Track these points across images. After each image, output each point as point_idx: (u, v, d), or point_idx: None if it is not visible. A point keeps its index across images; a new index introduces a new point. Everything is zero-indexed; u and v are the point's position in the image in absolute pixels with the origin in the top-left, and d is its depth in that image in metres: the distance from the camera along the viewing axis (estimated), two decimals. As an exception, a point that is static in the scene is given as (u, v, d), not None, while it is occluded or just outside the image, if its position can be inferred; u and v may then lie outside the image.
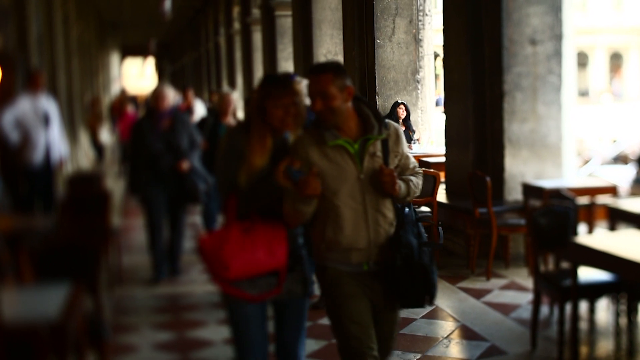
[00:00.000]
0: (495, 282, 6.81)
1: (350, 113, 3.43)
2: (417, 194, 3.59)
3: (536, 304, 5.22)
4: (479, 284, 6.75)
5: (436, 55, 11.76)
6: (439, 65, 13.07)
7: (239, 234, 3.47)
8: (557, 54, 7.46)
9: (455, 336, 5.52)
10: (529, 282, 6.47)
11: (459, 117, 8.01)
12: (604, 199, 6.90)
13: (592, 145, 20.71)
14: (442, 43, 8.42)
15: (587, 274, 4.89)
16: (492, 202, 6.85)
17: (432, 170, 7.66)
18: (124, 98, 19.82)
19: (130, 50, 48.60)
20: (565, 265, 5.32)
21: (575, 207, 5.43)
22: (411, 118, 9.74)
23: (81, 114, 19.07)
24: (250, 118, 3.63)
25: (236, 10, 20.49)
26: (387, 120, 3.53)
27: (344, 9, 10.57)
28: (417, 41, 9.83)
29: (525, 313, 5.82)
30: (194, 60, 33.56)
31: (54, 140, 9.08)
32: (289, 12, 13.36)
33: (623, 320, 5.21)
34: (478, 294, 6.42)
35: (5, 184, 8.31)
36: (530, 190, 6.98)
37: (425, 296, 3.47)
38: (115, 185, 14.31)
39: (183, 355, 5.36)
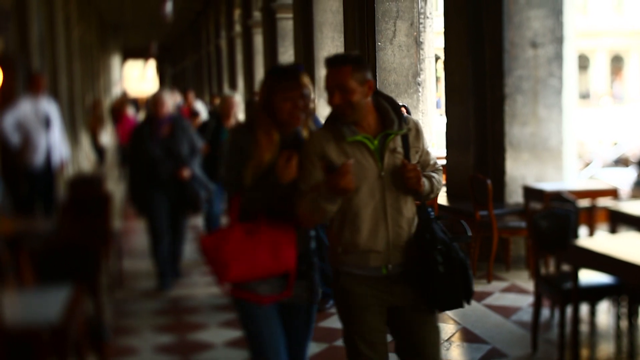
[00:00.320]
0: (496, 285, 6.81)
1: (369, 108, 3.26)
2: (439, 191, 3.45)
3: (537, 306, 5.22)
4: (479, 287, 6.74)
5: (437, 58, 11.76)
6: (440, 68, 13.07)
7: (241, 235, 3.34)
8: (558, 56, 7.47)
9: (456, 339, 5.52)
10: (529, 285, 6.46)
11: (459, 119, 8.01)
12: (604, 202, 6.91)
13: (593, 148, 20.70)
14: (443, 46, 8.43)
15: (588, 276, 4.89)
16: (492, 204, 6.85)
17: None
18: (124, 100, 19.82)
19: (132, 52, 48.65)
20: (566, 268, 5.32)
21: (576, 209, 5.43)
22: (412, 120, 9.73)
23: (82, 117, 19.08)
24: (256, 112, 3.46)
25: (237, 13, 20.49)
26: (406, 115, 3.35)
27: (345, 11, 10.57)
28: (418, 44, 9.83)
29: (526, 316, 5.82)
30: (195, 63, 33.57)
31: (55, 143, 9.09)
32: (290, 15, 13.35)
33: (624, 323, 5.20)
34: (479, 297, 6.42)
35: (6, 186, 8.31)
36: (531, 193, 6.99)
37: (463, 295, 3.28)
38: (116, 187, 14.31)
39: (184, 357, 5.36)
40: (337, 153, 3.19)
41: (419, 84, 10.00)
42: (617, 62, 53.11)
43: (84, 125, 19.08)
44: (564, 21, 7.46)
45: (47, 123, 8.90)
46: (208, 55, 28.12)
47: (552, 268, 6.29)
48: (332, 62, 3.25)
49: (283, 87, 3.35)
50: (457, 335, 5.59)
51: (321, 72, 11.76)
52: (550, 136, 7.49)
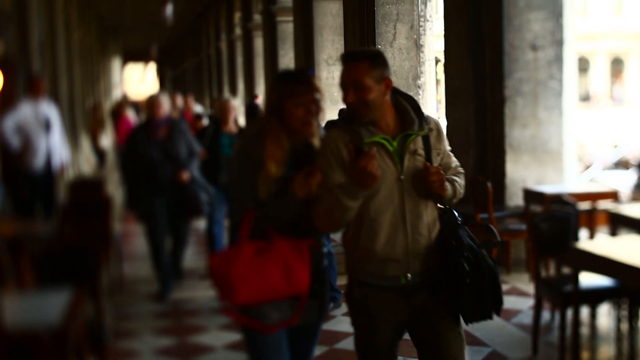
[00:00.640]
0: (496, 288, 6.79)
1: (387, 107, 3.05)
2: (462, 195, 3.28)
3: (537, 309, 5.21)
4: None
5: (437, 61, 11.76)
6: (440, 71, 13.07)
7: (251, 255, 3.11)
8: (558, 59, 7.47)
9: (457, 341, 5.51)
10: (530, 288, 6.46)
11: (460, 122, 8.02)
12: (605, 205, 6.91)
13: (593, 150, 20.70)
14: (443, 48, 8.43)
15: (588, 279, 4.89)
16: (493, 207, 6.84)
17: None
18: (123, 103, 19.83)
19: (132, 55, 48.67)
20: (566, 270, 5.32)
21: (576, 212, 5.44)
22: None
23: (82, 119, 19.08)
24: (265, 119, 3.25)
25: (237, 16, 20.52)
26: (427, 114, 3.15)
27: (345, 14, 10.58)
28: (418, 47, 9.83)
29: (527, 318, 5.82)
30: (195, 66, 33.60)
31: (55, 146, 9.09)
32: (290, 18, 13.37)
33: (624, 326, 5.20)
34: (479, 299, 6.40)
35: (6, 188, 8.31)
36: (531, 196, 6.99)
37: (492, 305, 3.09)
38: (116, 190, 14.31)
39: (184, 360, 5.36)
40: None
41: (419, 87, 10.00)
42: (617, 65, 53.12)
43: (84, 128, 19.09)
44: (563, 23, 7.47)
45: (47, 126, 8.90)
46: (208, 58, 28.14)
47: (552, 271, 6.29)
48: (348, 58, 3.06)
49: (295, 92, 3.16)
50: (457, 337, 5.58)
51: (322, 74, 11.82)
52: (550, 138, 7.49)
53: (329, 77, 11.34)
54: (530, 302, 6.17)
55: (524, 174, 7.45)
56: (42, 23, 12.41)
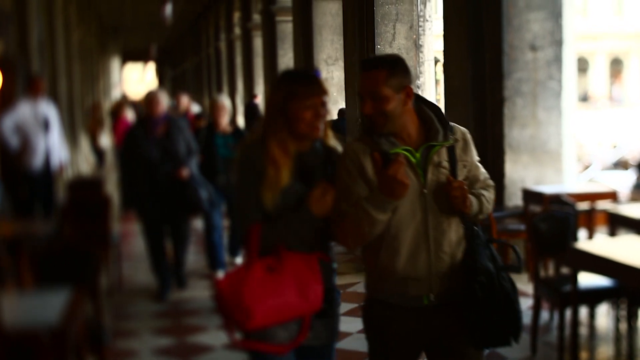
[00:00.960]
0: (495, 288, 6.80)
1: (410, 116, 2.88)
2: (490, 210, 3.07)
3: (536, 309, 5.22)
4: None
5: (436, 61, 11.76)
6: (439, 71, 13.07)
7: (262, 272, 2.87)
8: (558, 59, 7.47)
9: (456, 342, 5.51)
10: (529, 288, 6.45)
11: (459, 122, 7.96)
12: (604, 205, 6.91)
13: (592, 150, 20.72)
14: (442, 49, 8.43)
15: (587, 279, 4.90)
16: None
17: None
18: (123, 103, 19.83)
19: (131, 55, 48.66)
20: (565, 270, 5.32)
21: (575, 212, 5.44)
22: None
23: (82, 119, 19.08)
24: (268, 121, 3.01)
25: (237, 16, 20.52)
26: (452, 124, 2.97)
27: (344, 14, 10.59)
28: (417, 47, 9.84)
29: (525, 318, 5.77)
30: (195, 66, 33.60)
31: (54, 145, 9.09)
32: (290, 18, 13.38)
33: (623, 326, 5.20)
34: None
35: (5, 188, 8.31)
36: (530, 196, 6.99)
37: (509, 331, 2.90)
38: (115, 190, 14.31)
39: (183, 360, 5.36)
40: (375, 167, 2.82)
41: (418, 87, 10.00)
42: (616, 65, 53.12)
43: (83, 127, 19.09)
44: (563, 24, 7.47)
45: (46, 126, 8.91)
46: (208, 57, 28.15)
47: (551, 271, 6.29)
48: (365, 66, 2.88)
49: (303, 93, 2.94)
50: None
51: (322, 75, 11.80)
52: (549, 139, 7.50)
53: (328, 76, 11.35)
54: (529, 302, 6.17)
55: (523, 174, 7.46)
56: (41, 23, 12.40)
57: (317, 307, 2.94)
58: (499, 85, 7.45)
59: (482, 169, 3.08)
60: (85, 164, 18.02)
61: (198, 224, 9.34)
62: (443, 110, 2.96)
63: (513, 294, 2.90)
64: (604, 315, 5.79)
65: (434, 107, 2.96)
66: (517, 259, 3.14)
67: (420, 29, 9.91)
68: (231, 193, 7.56)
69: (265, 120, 3.04)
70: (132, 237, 9.63)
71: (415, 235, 2.86)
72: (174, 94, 22.60)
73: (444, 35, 8.34)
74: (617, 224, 5.97)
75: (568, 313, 4.92)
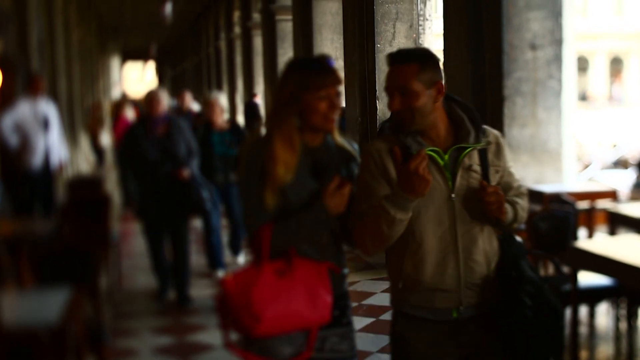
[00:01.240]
0: (495, 287, 6.80)
1: (439, 115, 2.70)
2: (524, 219, 2.89)
3: (536, 308, 5.21)
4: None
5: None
6: (439, 70, 13.07)
7: (272, 277, 2.68)
8: (558, 59, 7.47)
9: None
10: (529, 287, 6.46)
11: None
12: (604, 204, 6.90)
13: (592, 150, 20.73)
14: (442, 48, 8.43)
15: (587, 278, 4.89)
16: (492, 206, 6.83)
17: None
18: (122, 102, 19.82)
19: (131, 54, 48.67)
20: (565, 269, 5.32)
21: (575, 211, 5.44)
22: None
23: (81, 118, 19.09)
24: (274, 116, 2.81)
25: (237, 15, 20.51)
26: (485, 126, 2.77)
27: (344, 13, 10.59)
28: (417, 46, 9.84)
29: (525, 318, 5.81)
30: (195, 65, 33.60)
31: (54, 145, 9.09)
32: (290, 17, 13.38)
33: (623, 325, 5.20)
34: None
35: (5, 187, 8.31)
36: (530, 195, 6.94)
37: (551, 350, 2.69)
38: (115, 189, 14.32)
39: (183, 359, 5.36)
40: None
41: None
42: (616, 65, 53.15)
43: (83, 127, 19.09)
44: (563, 23, 7.46)
45: (45, 125, 8.90)
46: (207, 57, 28.15)
47: (551, 270, 6.28)
48: (394, 59, 2.69)
49: (318, 82, 2.72)
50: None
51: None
52: (549, 138, 7.49)
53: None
54: (529, 301, 6.17)
55: (523, 174, 7.45)
56: (41, 22, 12.40)
57: (325, 319, 2.73)
58: (498, 84, 7.45)
59: (516, 176, 2.90)
60: (85, 163, 18.03)
61: (197, 222, 9.34)
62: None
63: (559, 308, 2.69)
64: (604, 314, 5.79)
65: (465, 107, 2.77)
66: (558, 270, 2.90)
67: (420, 28, 9.92)
68: (229, 191, 7.57)
69: (271, 113, 2.84)
70: (132, 237, 9.64)
71: (443, 243, 2.67)
72: (175, 93, 22.59)
73: (444, 35, 8.34)
74: (617, 223, 5.97)
75: (568, 312, 4.92)
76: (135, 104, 25.10)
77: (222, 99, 7.61)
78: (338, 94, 2.76)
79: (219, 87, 24.05)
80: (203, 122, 7.62)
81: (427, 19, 10.04)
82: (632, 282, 4.43)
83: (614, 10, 52.18)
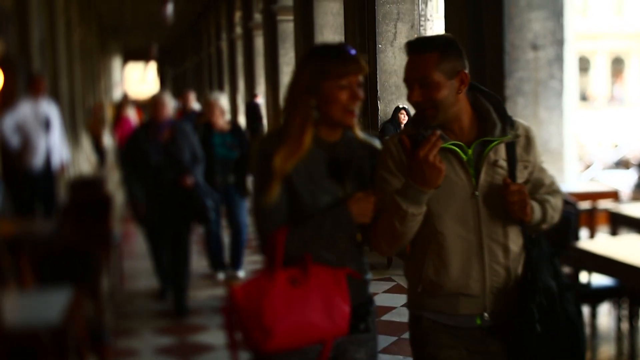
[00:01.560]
0: (496, 287, 6.79)
1: (463, 107, 2.50)
2: (556, 220, 2.71)
3: (537, 309, 5.20)
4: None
5: (437, 60, 11.77)
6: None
7: (285, 285, 2.45)
8: (559, 59, 7.46)
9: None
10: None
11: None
12: (605, 204, 6.90)
13: (594, 150, 20.72)
14: (443, 48, 8.43)
15: (589, 278, 4.89)
16: (493, 207, 6.82)
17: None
18: (124, 102, 19.82)
19: (132, 54, 48.68)
20: (566, 270, 5.31)
21: (576, 212, 5.43)
22: (412, 123, 9.74)
23: (83, 119, 19.10)
24: (288, 107, 2.55)
25: (238, 15, 20.52)
26: (515, 119, 2.57)
27: (345, 14, 10.59)
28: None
29: (527, 318, 5.80)
30: (196, 65, 33.60)
31: (55, 145, 9.09)
32: (291, 17, 13.37)
33: (625, 325, 5.20)
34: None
35: (6, 187, 8.31)
36: (531, 195, 6.97)
37: None
38: (116, 190, 14.32)
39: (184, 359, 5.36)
40: None
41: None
42: (617, 65, 53.12)
43: (85, 127, 19.11)
44: (564, 23, 7.46)
45: (47, 125, 8.91)
46: (209, 57, 28.15)
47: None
48: (413, 48, 2.51)
49: (338, 70, 2.48)
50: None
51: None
52: (550, 138, 7.48)
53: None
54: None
55: (524, 174, 7.45)
56: (42, 22, 12.41)
57: (342, 331, 2.50)
58: (500, 84, 7.44)
59: (548, 172, 2.68)
60: (87, 163, 18.03)
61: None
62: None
63: (578, 320, 2.49)
64: (606, 314, 5.79)
65: (492, 98, 2.58)
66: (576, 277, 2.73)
67: (421, 28, 9.92)
68: (229, 194, 7.48)
69: (285, 105, 2.59)
70: (133, 237, 9.63)
71: (467, 244, 2.47)
72: (176, 94, 22.60)
73: (445, 35, 8.34)
74: (619, 223, 5.97)
75: (569, 312, 4.91)
76: (137, 104, 25.15)
77: (223, 100, 7.46)
78: (360, 84, 2.54)
79: (220, 88, 24.05)
80: (204, 121, 7.52)
81: (428, 19, 10.04)
82: (633, 282, 4.43)
83: (614, 10, 52.16)
